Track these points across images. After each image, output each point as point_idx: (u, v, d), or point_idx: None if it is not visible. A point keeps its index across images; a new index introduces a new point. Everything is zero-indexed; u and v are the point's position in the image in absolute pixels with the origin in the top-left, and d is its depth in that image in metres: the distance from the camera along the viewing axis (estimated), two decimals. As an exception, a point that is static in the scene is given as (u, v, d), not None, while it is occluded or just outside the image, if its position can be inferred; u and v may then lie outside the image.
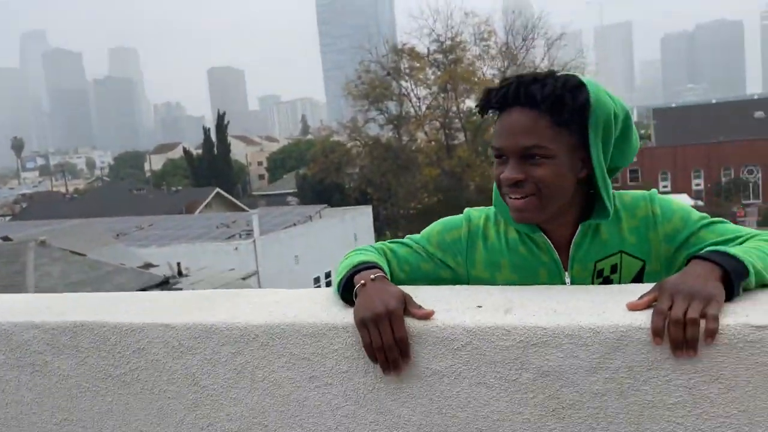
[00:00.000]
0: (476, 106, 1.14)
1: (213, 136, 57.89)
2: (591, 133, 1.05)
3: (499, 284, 1.11)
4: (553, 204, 1.06)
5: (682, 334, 0.81)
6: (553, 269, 1.10)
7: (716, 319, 0.80)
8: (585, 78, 1.08)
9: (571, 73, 1.15)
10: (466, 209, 1.21)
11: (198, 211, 36.52)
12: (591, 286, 1.03)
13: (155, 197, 43.46)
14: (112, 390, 1.12)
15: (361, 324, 0.94)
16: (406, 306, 0.96)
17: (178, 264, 17.31)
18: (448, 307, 0.97)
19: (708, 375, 0.81)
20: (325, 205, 33.90)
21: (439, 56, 38.27)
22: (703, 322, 0.80)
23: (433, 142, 37.25)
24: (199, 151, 60.39)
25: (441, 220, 1.21)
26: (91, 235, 17.96)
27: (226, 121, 58.28)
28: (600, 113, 1.05)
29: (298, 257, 22.81)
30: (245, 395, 1.04)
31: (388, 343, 0.92)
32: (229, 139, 60.88)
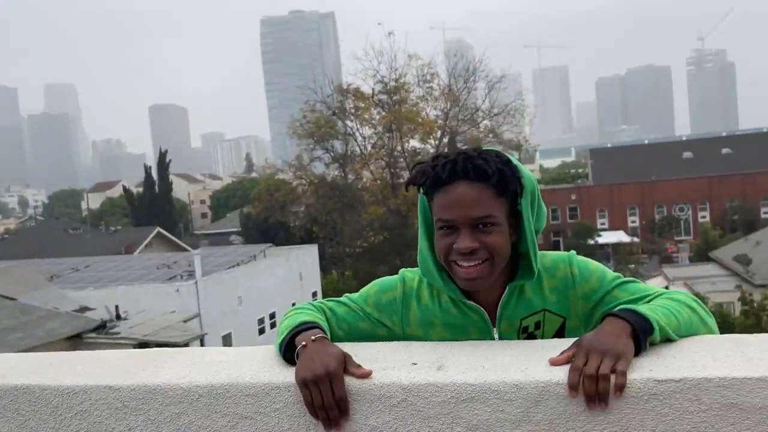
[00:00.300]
0: (413, 182, 1.22)
1: (154, 174, 56.76)
2: (523, 202, 1.17)
3: (432, 340, 1.18)
4: (500, 268, 1.15)
5: (594, 389, 0.89)
6: (482, 327, 1.18)
7: (624, 374, 0.89)
8: (508, 154, 1.21)
9: (492, 147, 1.25)
10: (401, 270, 1.29)
11: (138, 251, 35.52)
12: (516, 341, 1.11)
13: (92, 237, 42.11)
14: (52, 453, 1.12)
15: (303, 384, 0.99)
16: (346, 366, 1.01)
17: (116, 307, 16.75)
18: (385, 365, 1.03)
19: (618, 426, 0.89)
20: (270, 244, 33.54)
21: (384, 97, 38.93)
22: (613, 377, 0.89)
23: (378, 181, 37.61)
24: (140, 190, 59.09)
25: (377, 281, 1.28)
26: (23, 277, 17.22)
27: (168, 159, 57.34)
28: (527, 184, 1.18)
29: (242, 298, 22.42)
30: (189, 455, 1.06)
31: (328, 402, 0.97)
32: (171, 177, 59.80)
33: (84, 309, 15.78)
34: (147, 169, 56.62)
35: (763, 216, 52.89)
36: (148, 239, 39.28)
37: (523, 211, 1.17)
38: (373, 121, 39.09)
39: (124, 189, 60.24)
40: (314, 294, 28.00)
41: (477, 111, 40.12)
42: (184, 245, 40.42)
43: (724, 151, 59.91)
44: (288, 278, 26.27)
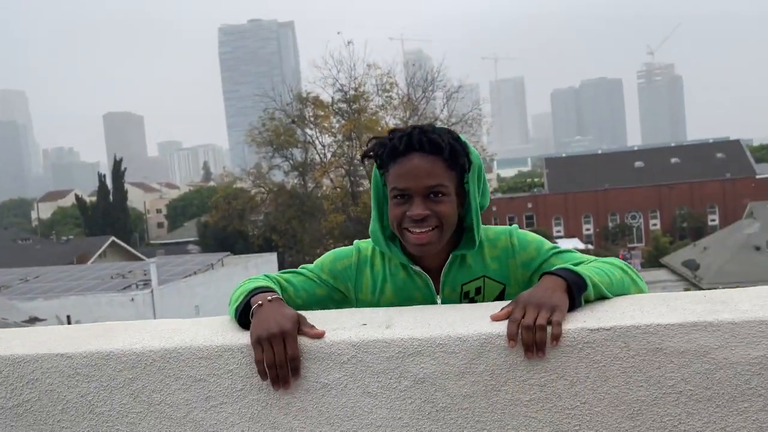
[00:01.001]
0: (368, 153, 1.31)
1: (109, 183, 55.44)
2: (470, 177, 1.27)
3: (381, 306, 1.23)
4: (448, 235, 1.23)
5: (532, 339, 0.94)
6: (426, 292, 1.26)
7: (560, 324, 0.95)
8: (458, 133, 1.32)
9: (445, 126, 1.32)
10: (356, 241, 1.35)
11: (91, 261, 34.62)
12: (460, 305, 1.16)
13: (43, 247, 40.85)
14: (3, 423, 1.12)
15: (257, 342, 1.02)
16: (300, 326, 1.05)
17: (68, 317, 16.30)
18: (336, 327, 1.06)
19: (555, 373, 0.95)
20: (228, 252, 33.13)
21: (343, 105, 38.97)
22: (549, 328, 0.94)
23: (338, 189, 37.53)
24: (93, 199, 57.61)
25: (333, 251, 1.34)
26: (-31, 288, 16.62)
27: (123, 167, 56.11)
28: (475, 161, 1.28)
29: (199, 307, 22.06)
30: (141, 419, 1.07)
31: (280, 360, 1.00)
32: (127, 185, 58.53)
33: (34, 319, 15.31)
34: (101, 178, 55.28)
35: (710, 223, 54.80)
36: (102, 249, 38.35)
37: (470, 186, 1.26)
38: (332, 130, 39.08)
39: (77, 198, 58.59)
40: (273, 303, 27.68)
41: (436, 120, 40.52)
42: (139, 254, 39.55)
43: (673, 160, 61.84)
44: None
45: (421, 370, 0.98)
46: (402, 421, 0.99)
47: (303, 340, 1.03)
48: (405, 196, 1.23)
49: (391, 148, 1.25)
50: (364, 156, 1.32)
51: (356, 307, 1.25)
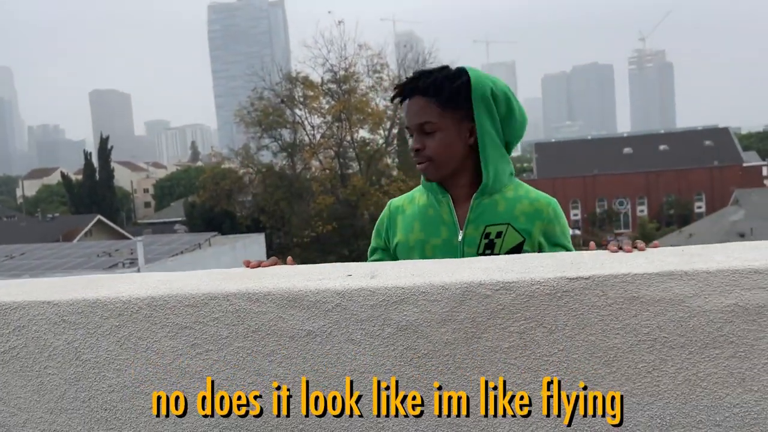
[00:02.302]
0: (392, 98, 1.52)
1: (95, 161, 54.89)
2: (474, 107, 1.39)
3: (411, 244, 1.41)
4: (447, 166, 1.40)
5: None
6: (451, 227, 1.40)
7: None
8: (469, 67, 1.43)
9: (467, 67, 1.43)
10: (390, 200, 1.57)
11: (77, 239, 34.40)
12: (444, 260, 1.18)
13: (28, 225, 40.48)
14: (-11, 370, 1.13)
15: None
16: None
17: (54, 294, 16.20)
18: (321, 277, 1.08)
19: (534, 321, 0.97)
20: (216, 233, 33.01)
21: (333, 86, 38.73)
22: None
23: (327, 171, 37.44)
24: (79, 177, 57.07)
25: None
26: (-47, 263, 16.48)
27: (109, 146, 55.54)
28: (478, 92, 1.39)
29: (187, 286, 22.04)
30: (128, 366, 1.09)
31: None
32: (113, 164, 57.99)
33: (19, 296, 15.23)
34: (87, 156, 54.69)
35: (696, 210, 55.24)
36: (88, 227, 38.09)
37: (476, 115, 1.39)
38: (322, 110, 38.87)
39: (63, 176, 58.00)
40: (261, 283, 27.72)
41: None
42: (126, 233, 39.33)
43: (662, 147, 62.14)
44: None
45: (404, 317, 1.00)
46: (385, 367, 1.01)
47: (286, 289, 1.04)
48: (409, 132, 1.48)
49: (399, 91, 1.47)
50: (394, 99, 1.50)
51: (393, 255, 1.47)
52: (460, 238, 1.37)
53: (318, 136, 39.39)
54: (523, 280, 0.97)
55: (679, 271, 0.93)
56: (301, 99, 39.38)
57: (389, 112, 38.41)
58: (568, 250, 1.38)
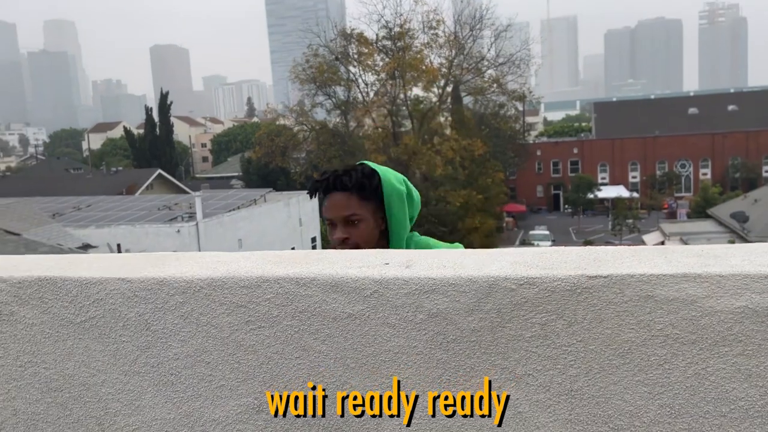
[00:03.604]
0: (308, 192, 1.80)
1: (155, 116, 56.25)
2: (386, 200, 1.71)
3: None
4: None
5: None
6: None
7: None
8: (375, 165, 1.74)
9: (366, 162, 1.73)
10: None
11: (139, 192, 35.68)
12: (473, 252, 1.26)
13: (94, 177, 42.18)
14: (72, 335, 1.29)
15: None
16: None
17: (118, 245, 17.01)
18: (361, 264, 1.18)
19: (555, 314, 1.05)
20: (270, 189, 33.65)
21: (388, 43, 38.33)
22: None
23: (380, 129, 37.43)
24: (141, 131, 58.74)
25: None
26: (26, 214, 17.44)
27: (169, 101, 56.76)
28: (388, 187, 1.72)
29: (242, 241, 22.71)
30: (190, 337, 1.23)
31: None
32: (172, 119, 59.36)
33: (86, 246, 16.05)
34: (148, 111, 56.10)
35: (764, 174, 52.79)
36: (149, 181, 39.37)
37: (386, 207, 1.71)
38: (376, 68, 38.63)
39: (125, 130, 59.81)
40: (313, 239, 28.27)
41: (482, 60, 39.57)
42: (185, 188, 40.51)
43: (730, 108, 59.33)
44: (288, 223, 26.51)
45: (435, 305, 1.10)
46: (417, 349, 1.12)
47: (329, 275, 1.15)
48: (332, 224, 1.73)
49: (317, 187, 1.76)
50: (311, 194, 1.79)
51: None
52: None
53: (371, 94, 39.30)
54: (545, 276, 1.05)
55: (693, 273, 0.99)
56: (356, 56, 39.21)
57: (444, 70, 37.85)
58: None
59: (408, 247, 1.73)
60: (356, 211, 1.69)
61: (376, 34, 37.89)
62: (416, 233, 1.78)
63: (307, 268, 1.19)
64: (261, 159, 43.20)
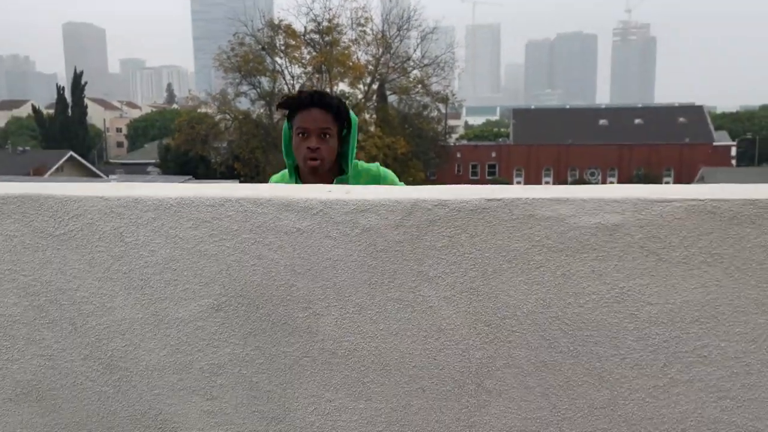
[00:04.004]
0: (281, 104, 2.05)
1: (68, 96, 53.65)
2: (352, 131, 2.08)
3: None
4: (329, 163, 2.05)
5: None
6: None
7: None
8: (339, 95, 2.05)
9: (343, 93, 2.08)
10: (270, 179, 2.16)
11: (48, 174, 34.06)
12: (400, 187, 1.55)
13: (-2, 156, 39.78)
14: (51, 246, 1.49)
15: None
16: None
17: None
18: (309, 190, 1.45)
19: (461, 229, 1.35)
20: (190, 177, 32.92)
21: (316, 36, 38.29)
22: None
23: (304, 122, 37.23)
24: (51, 111, 55.82)
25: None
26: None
27: (83, 81, 54.25)
28: (352, 117, 2.08)
29: (159, 227, 22.16)
30: (160, 248, 1.45)
31: None
32: (86, 101, 56.77)
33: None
34: (60, 90, 53.41)
35: (664, 184, 56.31)
36: (60, 163, 37.59)
37: (349, 138, 2.09)
38: (303, 61, 38.53)
39: (34, 109, 56.66)
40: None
41: (408, 60, 40.20)
42: (98, 172, 38.96)
43: (637, 121, 62.82)
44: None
45: (368, 222, 1.38)
46: (352, 257, 1.39)
47: (283, 194, 1.41)
48: (306, 134, 2.01)
49: (299, 101, 2.01)
50: (279, 106, 2.05)
51: None
52: None
53: (297, 87, 39.13)
54: (454, 199, 1.36)
55: (563, 197, 1.32)
56: (283, 47, 38.96)
57: (370, 67, 38.24)
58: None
59: (355, 169, 2.10)
60: (330, 127, 2.01)
61: (305, 27, 37.81)
62: (360, 160, 2.15)
63: (263, 191, 1.44)
64: (181, 146, 42.08)
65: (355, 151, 2.08)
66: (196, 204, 1.43)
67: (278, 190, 1.45)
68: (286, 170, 2.15)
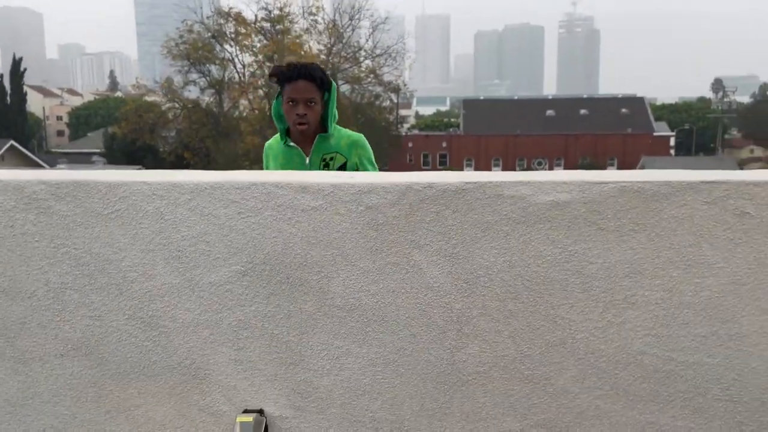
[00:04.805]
0: (272, 74, 2.55)
1: (6, 84, 51.67)
2: (332, 95, 2.55)
3: (272, 168, 2.54)
4: (314, 126, 2.53)
5: None
6: (300, 159, 2.59)
7: None
8: (319, 65, 2.52)
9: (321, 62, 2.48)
10: (266, 144, 2.64)
11: (-12, 164, 32.86)
12: (400, 172, 1.88)
13: (-68, 145, 38.11)
14: (100, 223, 1.76)
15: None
16: None
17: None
18: (321, 175, 1.76)
19: (444, 205, 1.69)
20: (140, 166, 32.37)
21: (267, 25, 37.99)
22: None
23: (256, 111, 37.10)
24: (-13, 99, 53.63)
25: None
26: None
27: (22, 68, 52.33)
28: (333, 86, 2.57)
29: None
30: (195, 224, 1.74)
31: None
32: (25, 88, 54.76)
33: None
34: (-2, 77, 51.30)
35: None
36: (0, 152, 36.26)
37: (330, 101, 2.56)
38: (254, 49, 38.20)
39: (-30, 96, 54.27)
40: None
41: (360, 50, 40.34)
42: (40, 162, 37.75)
43: (582, 112, 64.58)
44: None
45: (370, 200, 1.70)
46: (357, 230, 1.72)
47: (297, 178, 1.72)
48: (295, 103, 2.49)
49: (288, 75, 2.47)
50: (270, 76, 2.55)
51: None
52: (307, 161, 2.56)
53: (248, 75, 38.83)
54: (440, 182, 1.69)
55: (525, 180, 1.68)
56: (233, 35, 38.53)
57: (322, 57, 38.22)
58: (374, 167, 2.57)
59: (337, 131, 2.59)
60: (314, 96, 2.48)
61: (255, 15, 37.47)
62: (338, 127, 2.63)
63: (283, 176, 1.75)
64: (127, 135, 41.20)
65: (335, 111, 2.56)
66: (227, 187, 1.73)
67: (295, 175, 1.76)
68: (278, 134, 2.64)
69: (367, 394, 1.78)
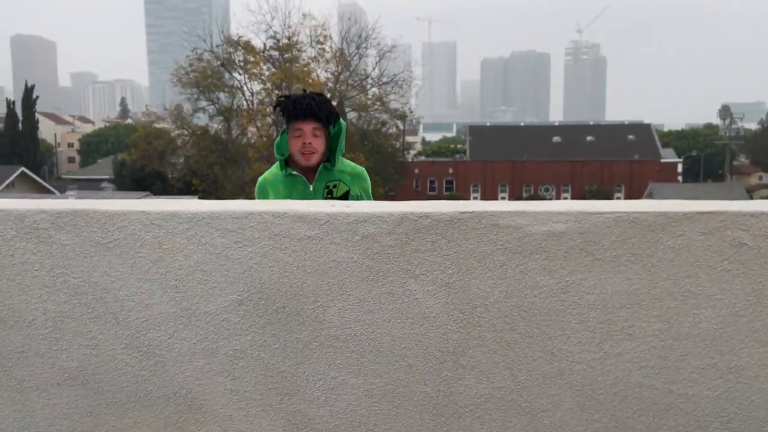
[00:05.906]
0: (276, 107, 2.66)
1: (18, 111, 52.39)
2: (341, 131, 2.66)
3: (274, 197, 2.56)
4: (320, 156, 2.61)
5: None
6: (304, 187, 2.64)
7: None
8: (326, 95, 2.58)
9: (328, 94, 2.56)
10: (259, 179, 2.69)
11: (-1, 190, 33.18)
12: (395, 202, 1.89)
13: (-56, 172, 38.56)
14: (99, 252, 1.77)
15: None
16: None
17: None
18: (317, 205, 1.77)
19: (440, 235, 1.70)
20: (148, 192, 32.60)
21: (275, 53, 38.47)
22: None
23: (264, 138, 37.39)
24: (0, 126, 54.38)
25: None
26: None
27: (34, 96, 53.12)
28: (342, 123, 2.66)
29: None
30: (192, 253, 1.75)
31: None
32: (37, 115, 55.51)
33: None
34: (10, 104, 52.11)
35: (615, 200, 58.08)
36: (11, 179, 36.64)
37: (338, 136, 2.66)
38: (262, 77, 38.62)
39: (-18, 123, 55.05)
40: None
41: (366, 78, 40.73)
42: (51, 188, 38.09)
43: (589, 138, 64.70)
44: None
45: (366, 230, 1.71)
46: (353, 259, 1.72)
47: (293, 209, 1.73)
48: (301, 132, 2.58)
49: (295, 114, 2.57)
50: (276, 107, 2.64)
51: None
52: (311, 188, 2.63)
53: (256, 103, 39.21)
54: (435, 212, 1.70)
55: (520, 210, 1.68)
56: (242, 64, 39.01)
57: (329, 84, 38.62)
58: (369, 198, 2.68)
59: (341, 162, 2.69)
60: (320, 130, 2.60)
61: (264, 44, 37.97)
62: (342, 158, 2.73)
63: (280, 206, 1.76)
64: (136, 162, 41.56)
65: (342, 149, 2.67)
66: (224, 216, 1.74)
67: (292, 205, 1.77)
68: (273, 167, 2.74)
69: (362, 425, 1.77)
